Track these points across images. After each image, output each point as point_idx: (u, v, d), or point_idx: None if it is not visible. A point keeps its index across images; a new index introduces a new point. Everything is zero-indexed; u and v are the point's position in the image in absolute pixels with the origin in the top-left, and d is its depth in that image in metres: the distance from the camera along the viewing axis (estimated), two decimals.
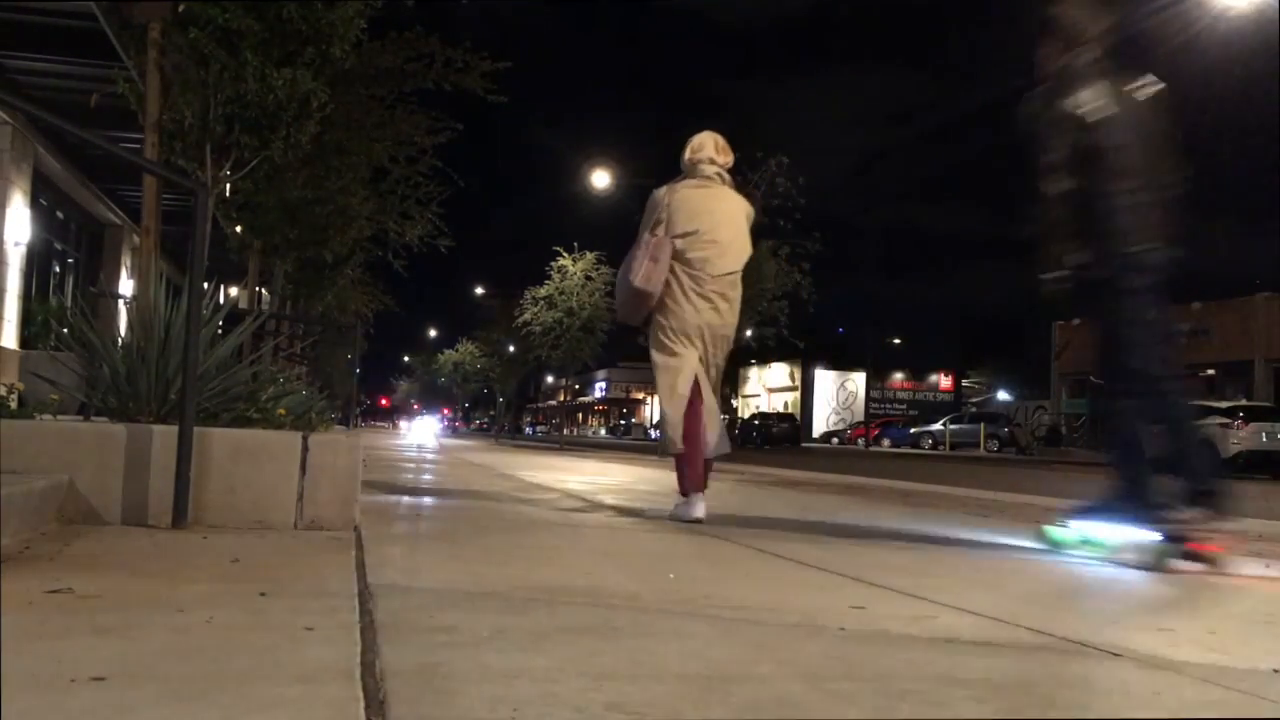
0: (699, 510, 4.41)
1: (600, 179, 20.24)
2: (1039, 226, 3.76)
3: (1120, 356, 3.70)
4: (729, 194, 4.69)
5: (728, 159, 4.74)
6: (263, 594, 2.18)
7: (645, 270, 4.41)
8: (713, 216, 4.55)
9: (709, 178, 4.65)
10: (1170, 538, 3.51)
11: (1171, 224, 3.73)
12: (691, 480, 4.51)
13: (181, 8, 5.88)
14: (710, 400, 4.59)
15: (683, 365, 4.50)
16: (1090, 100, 3.65)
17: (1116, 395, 3.75)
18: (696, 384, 4.52)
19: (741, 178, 11.34)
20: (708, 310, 4.51)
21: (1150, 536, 3.57)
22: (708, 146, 4.69)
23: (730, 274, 4.56)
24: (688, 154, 4.68)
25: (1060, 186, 3.64)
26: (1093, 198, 3.65)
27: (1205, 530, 3.51)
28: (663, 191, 4.62)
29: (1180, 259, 3.72)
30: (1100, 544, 3.82)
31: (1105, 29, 3.82)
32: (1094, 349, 3.96)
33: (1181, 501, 3.54)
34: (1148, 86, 3.80)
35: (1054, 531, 4.09)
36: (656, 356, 4.57)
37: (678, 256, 4.46)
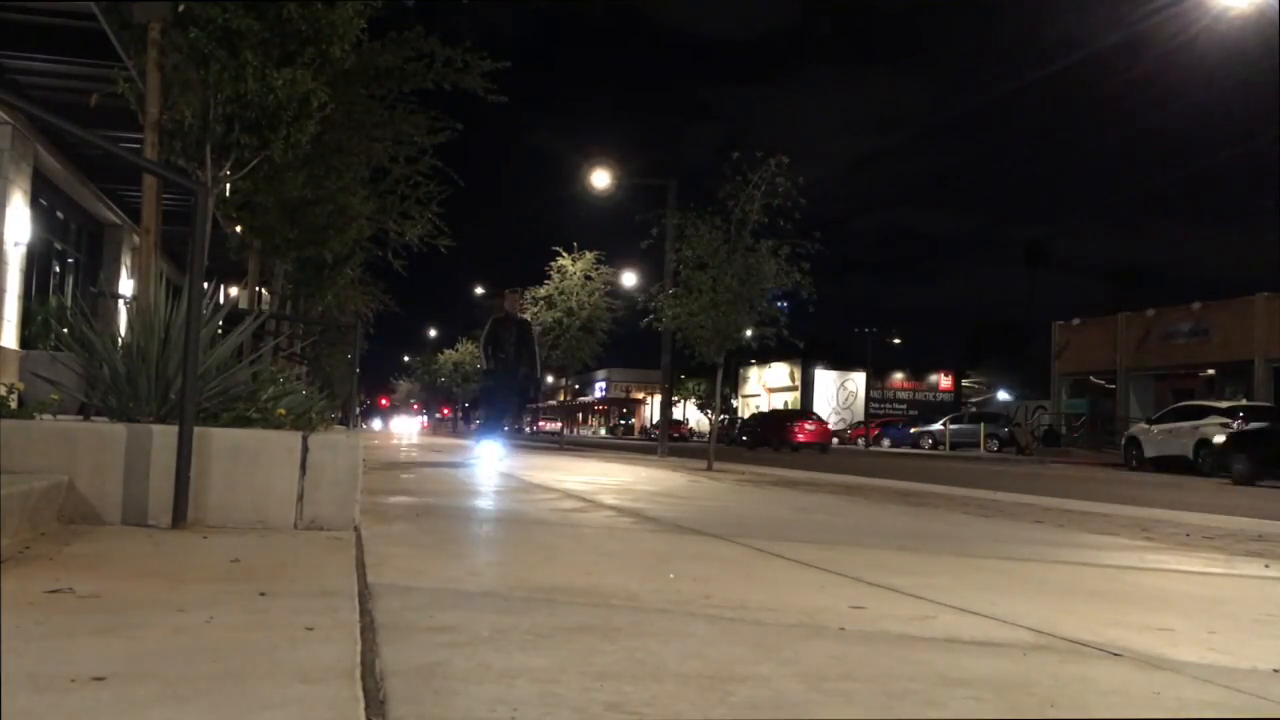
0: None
1: (599, 179, 20.21)
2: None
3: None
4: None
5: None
6: (263, 594, 2.18)
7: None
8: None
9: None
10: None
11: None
12: None
13: (181, 8, 5.87)
14: None
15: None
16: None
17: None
18: None
19: (741, 178, 11.32)
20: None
21: None
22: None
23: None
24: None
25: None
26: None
27: None
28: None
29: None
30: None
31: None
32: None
33: None
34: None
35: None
36: None
37: None
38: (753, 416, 42.31)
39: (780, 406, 57.29)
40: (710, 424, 13.72)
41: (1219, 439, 19.02)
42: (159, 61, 5.79)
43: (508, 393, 11.63)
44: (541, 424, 68.22)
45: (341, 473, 3.43)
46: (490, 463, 9.86)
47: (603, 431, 75.22)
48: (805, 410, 45.72)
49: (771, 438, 31.17)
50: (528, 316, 23.60)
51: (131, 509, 3.17)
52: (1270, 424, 19.24)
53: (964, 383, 64.43)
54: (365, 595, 2.25)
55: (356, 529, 3.38)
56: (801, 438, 30.74)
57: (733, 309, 11.29)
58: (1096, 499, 8.41)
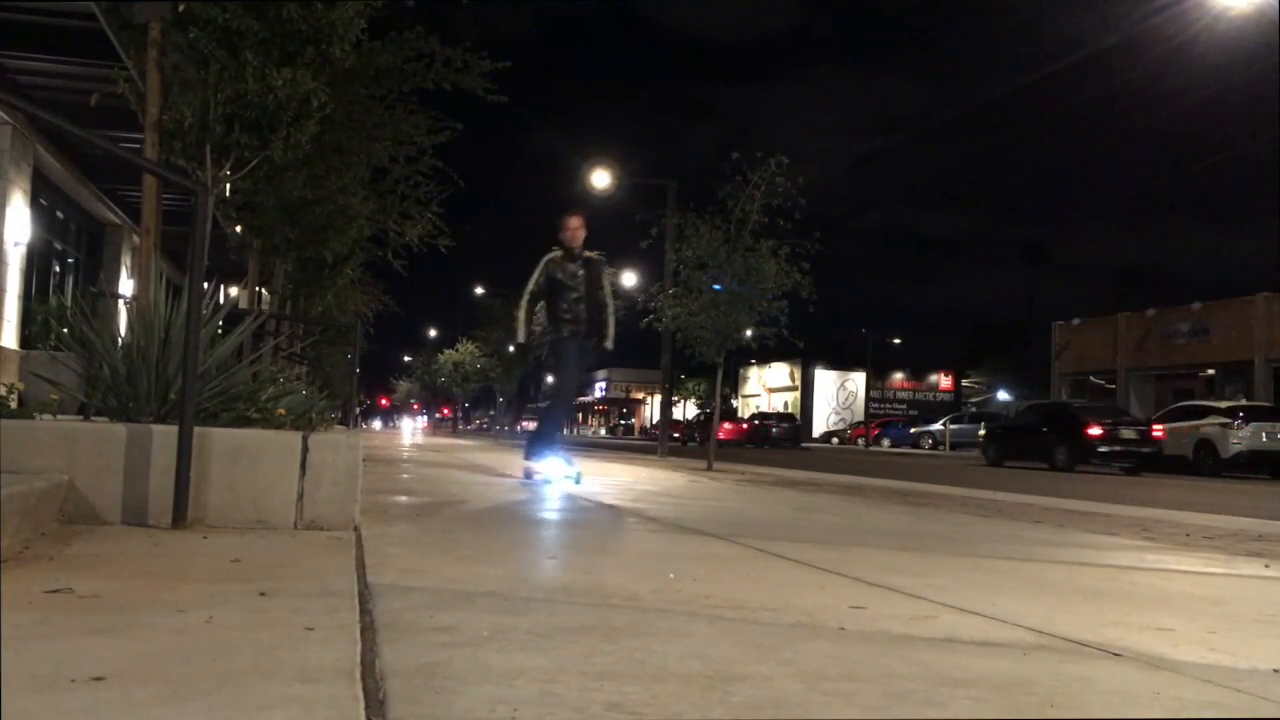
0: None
1: (599, 179, 20.20)
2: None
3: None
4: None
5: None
6: (263, 594, 2.18)
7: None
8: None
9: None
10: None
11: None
12: None
13: (181, 8, 5.87)
14: None
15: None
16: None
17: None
18: None
19: (741, 178, 11.32)
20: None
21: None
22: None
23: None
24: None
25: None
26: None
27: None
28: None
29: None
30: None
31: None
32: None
33: None
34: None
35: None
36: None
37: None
38: (693, 418, 51.49)
39: (781, 407, 57.38)
40: (713, 424, 13.69)
41: (982, 432, 24.71)
42: (159, 61, 5.79)
43: (574, 375, 7.76)
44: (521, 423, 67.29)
45: (341, 473, 3.43)
46: (560, 485, 6.83)
47: (603, 431, 75.15)
48: (732, 413, 53.29)
49: (697, 434, 40.19)
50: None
51: (131, 509, 3.17)
52: (1008, 422, 24.90)
53: (964, 383, 64.40)
54: (365, 595, 2.25)
55: (357, 529, 3.38)
56: (721, 435, 37.86)
57: (733, 309, 11.29)
58: (1096, 499, 8.41)
